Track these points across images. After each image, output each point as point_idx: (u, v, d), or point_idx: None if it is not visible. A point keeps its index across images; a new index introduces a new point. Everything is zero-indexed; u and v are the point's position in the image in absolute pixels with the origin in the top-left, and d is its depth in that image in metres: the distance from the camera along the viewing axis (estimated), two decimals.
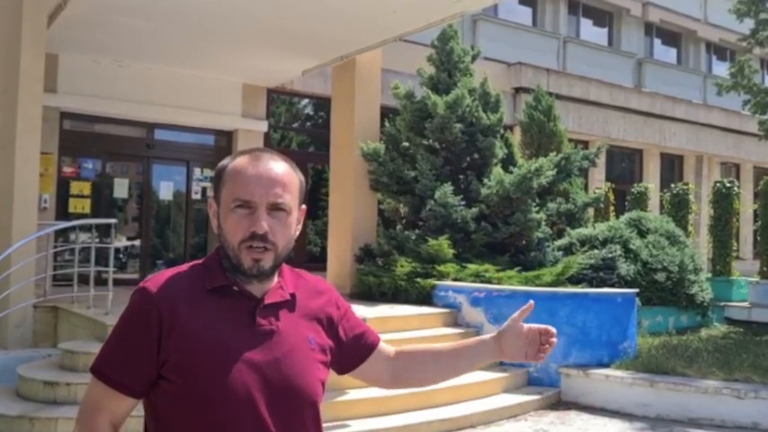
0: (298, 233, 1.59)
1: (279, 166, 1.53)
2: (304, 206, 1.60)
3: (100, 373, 1.52)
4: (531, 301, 1.74)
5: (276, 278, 1.58)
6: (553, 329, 1.70)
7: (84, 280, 7.62)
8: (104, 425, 1.52)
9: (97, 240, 7.77)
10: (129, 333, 1.51)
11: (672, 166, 18.51)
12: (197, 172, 11.78)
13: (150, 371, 1.47)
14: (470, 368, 1.83)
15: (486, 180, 9.63)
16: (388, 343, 1.82)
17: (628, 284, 9.16)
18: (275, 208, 1.50)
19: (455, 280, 8.53)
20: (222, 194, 1.53)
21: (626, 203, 13.28)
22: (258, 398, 1.46)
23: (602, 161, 14.54)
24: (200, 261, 1.60)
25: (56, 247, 8.96)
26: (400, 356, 1.79)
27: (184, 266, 1.59)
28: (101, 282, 7.56)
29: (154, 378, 1.48)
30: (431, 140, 9.95)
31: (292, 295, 1.59)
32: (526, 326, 1.71)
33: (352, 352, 1.72)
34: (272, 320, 1.53)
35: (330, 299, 1.69)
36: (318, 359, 1.59)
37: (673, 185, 13.33)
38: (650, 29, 19.24)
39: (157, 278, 1.53)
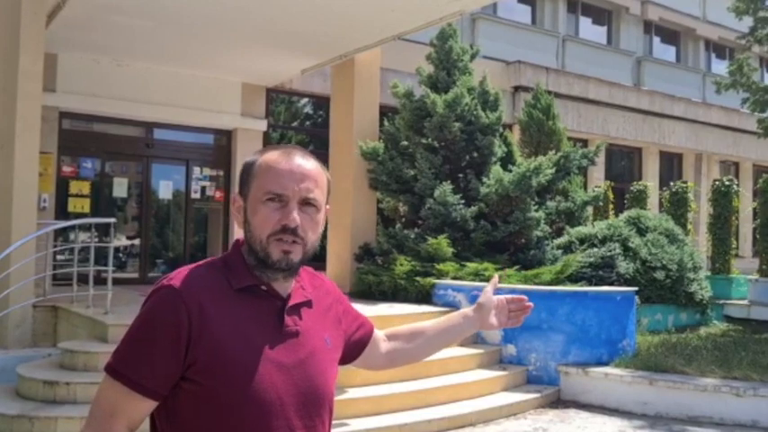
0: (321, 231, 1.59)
1: (310, 163, 1.53)
2: (328, 206, 1.59)
3: (119, 373, 1.43)
4: (497, 276, 2.14)
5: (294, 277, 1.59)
6: (523, 297, 1.98)
7: (83, 279, 7.62)
8: (122, 431, 1.44)
9: (96, 240, 7.77)
10: (154, 332, 1.42)
11: (671, 164, 18.51)
12: (196, 171, 11.78)
13: (176, 372, 1.41)
14: (457, 340, 2.03)
15: (485, 179, 9.63)
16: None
17: (627, 283, 9.16)
18: (306, 203, 1.50)
19: (454, 279, 8.54)
20: (251, 188, 1.51)
21: (625, 202, 13.26)
22: (286, 399, 1.46)
23: (601, 160, 14.55)
24: (217, 259, 1.56)
25: (55, 246, 8.95)
26: (392, 338, 1.90)
27: (202, 264, 1.54)
28: (100, 281, 7.56)
29: (177, 379, 1.42)
30: (430, 139, 9.95)
31: (311, 295, 1.61)
32: (495, 297, 1.98)
33: (353, 344, 1.77)
34: (296, 321, 1.53)
35: (335, 296, 1.72)
36: (333, 358, 1.62)
37: (672, 184, 13.33)
38: (649, 27, 19.25)
39: (181, 277, 1.47)
